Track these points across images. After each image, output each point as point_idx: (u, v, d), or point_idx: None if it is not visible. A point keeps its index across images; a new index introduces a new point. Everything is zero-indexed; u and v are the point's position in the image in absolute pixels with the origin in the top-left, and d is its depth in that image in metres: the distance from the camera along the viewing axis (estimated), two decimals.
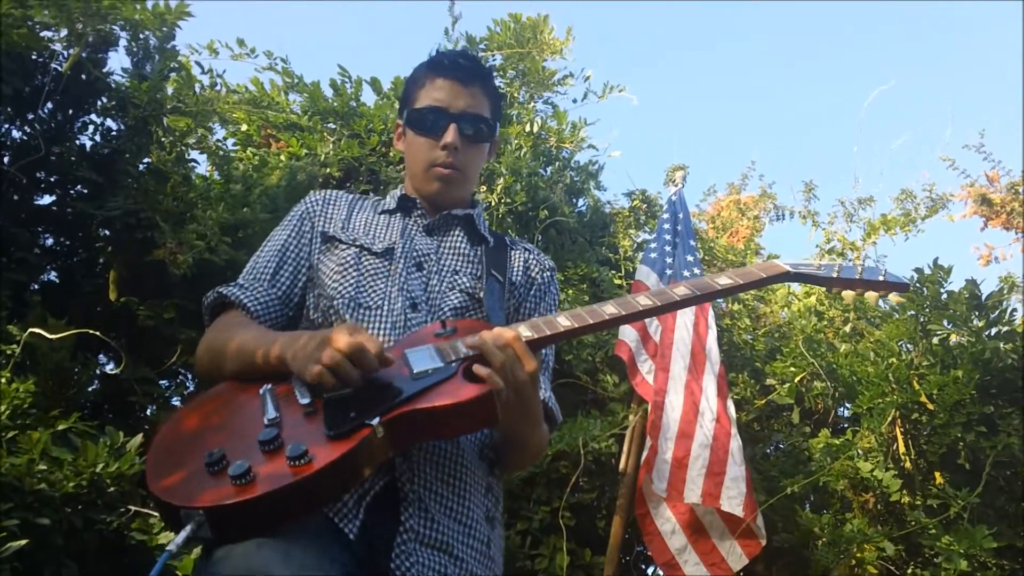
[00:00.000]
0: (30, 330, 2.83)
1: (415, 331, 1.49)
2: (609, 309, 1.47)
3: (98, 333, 3.05)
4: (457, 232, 1.73)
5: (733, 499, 3.78)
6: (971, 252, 8.06)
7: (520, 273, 1.74)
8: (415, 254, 1.64)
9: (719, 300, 6.32)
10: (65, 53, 3.92)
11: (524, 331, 1.43)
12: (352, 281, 1.57)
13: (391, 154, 5.34)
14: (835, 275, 1.58)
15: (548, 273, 1.79)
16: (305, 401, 1.32)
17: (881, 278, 1.58)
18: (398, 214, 1.73)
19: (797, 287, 6.28)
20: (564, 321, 1.46)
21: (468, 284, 1.63)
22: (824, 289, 5.77)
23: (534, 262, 1.78)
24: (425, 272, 1.62)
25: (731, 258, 6.34)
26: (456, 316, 1.58)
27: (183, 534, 1.19)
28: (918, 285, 3.91)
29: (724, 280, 1.52)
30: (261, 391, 1.37)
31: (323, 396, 1.31)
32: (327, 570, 1.27)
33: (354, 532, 1.33)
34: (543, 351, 1.66)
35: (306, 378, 1.32)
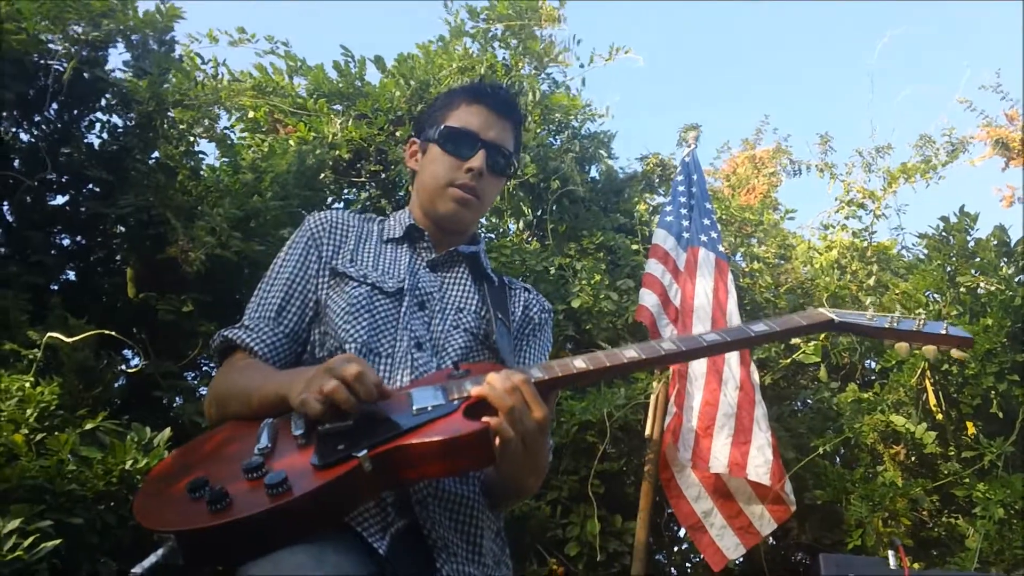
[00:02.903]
0: (49, 334, 2.83)
1: (429, 374, 1.46)
2: (630, 353, 1.40)
3: (114, 333, 3.05)
4: (461, 269, 1.70)
5: (759, 468, 3.76)
6: (993, 194, 7.89)
7: (519, 313, 1.72)
8: (418, 292, 1.61)
9: (738, 259, 6.27)
10: (64, 61, 3.91)
11: (535, 372, 1.37)
12: (365, 324, 1.52)
13: (398, 133, 5.31)
14: (887, 326, 1.47)
15: (546, 314, 1.76)
16: (299, 432, 1.29)
17: (943, 332, 1.45)
18: (404, 245, 1.69)
19: (819, 241, 6.22)
20: (579, 363, 1.38)
21: (472, 324, 1.60)
22: (847, 243, 5.71)
23: (534, 302, 1.76)
24: (427, 311, 1.59)
25: (748, 216, 6.25)
26: (461, 357, 1.53)
27: (152, 557, 1.16)
28: (944, 234, 3.83)
29: (760, 327, 1.44)
30: (261, 424, 1.35)
31: (318, 428, 1.28)
32: (360, 573, 1.25)
33: (383, 549, 1.31)
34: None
35: (306, 410, 1.28)
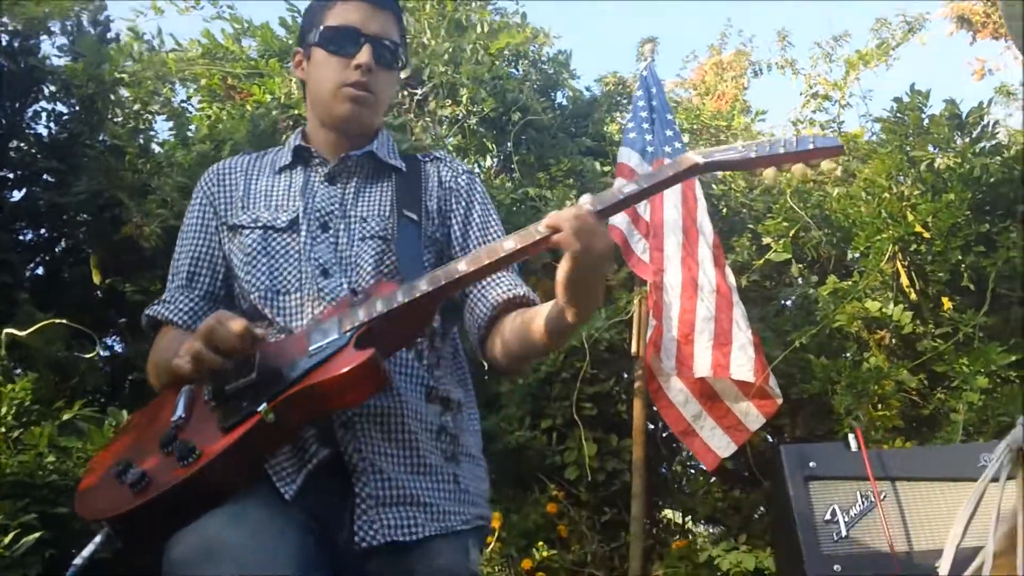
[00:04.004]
0: (5, 331, 2.86)
1: (333, 305, 1.43)
2: (508, 244, 1.34)
3: (65, 321, 3.07)
4: (360, 174, 1.62)
5: (743, 366, 3.79)
6: (964, 68, 7.76)
7: (436, 187, 1.65)
8: (318, 214, 1.55)
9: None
10: None
11: (423, 285, 1.34)
12: (264, 269, 1.50)
13: None
14: (754, 155, 1.39)
15: (464, 176, 1.68)
16: (208, 397, 1.30)
17: (811, 146, 1.39)
18: (297, 167, 1.62)
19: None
20: (462, 267, 1.35)
21: (379, 228, 1.55)
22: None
23: (445, 170, 1.68)
24: (331, 232, 1.54)
25: (718, 123, 6.19)
26: (375, 267, 1.50)
27: (91, 546, 1.20)
28: (899, 115, 3.79)
29: (630, 187, 1.36)
30: (180, 393, 1.36)
31: (225, 389, 1.28)
32: (281, 527, 1.28)
33: (290, 494, 1.33)
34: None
35: (183, 374, 1.30)
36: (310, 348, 1.31)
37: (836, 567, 2.18)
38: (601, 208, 1.32)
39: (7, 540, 2.24)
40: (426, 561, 1.39)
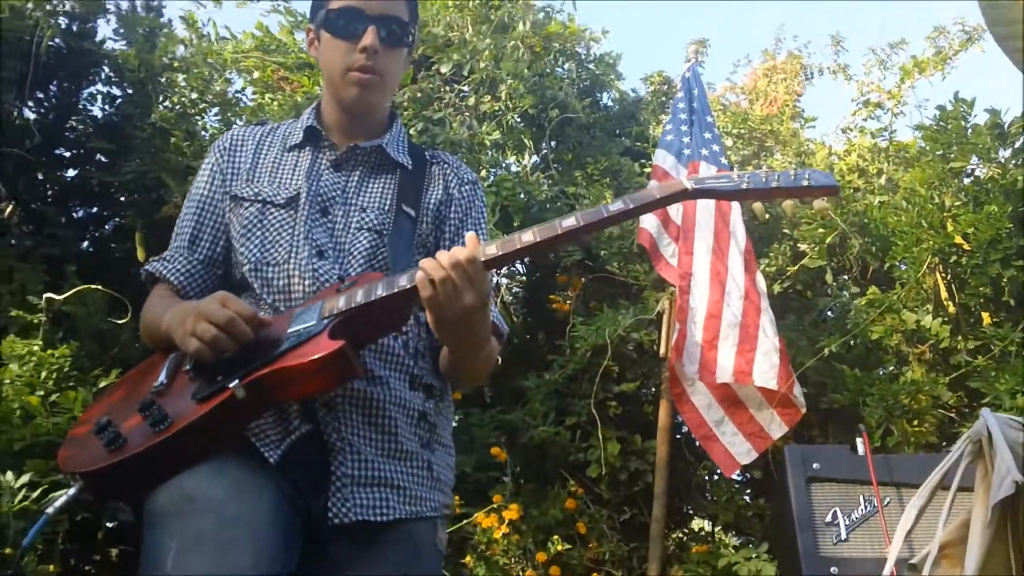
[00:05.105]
0: (46, 295, 2.99)
1: (323, 290, 1.48)
2: (490, 250, 1.36)
3: (99, 287, 3.18)
4: (366, 164, 1.65)
5: (766, 373, 3.75)
6: None
7: (440, 191, 1.68)
8: (320, 199, 1.59)
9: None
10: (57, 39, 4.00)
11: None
12: (257, 241, 1.55)
13: None
14: (745, 186, 1.35)
15: (468, 187, 1.71)
16: (187, 367, 1.37)
17: (805, 183, 1.34)
18: (307, 148, 1.66)
19: (840, 146, 6.06)
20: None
21: (376, 221, 1.58)
22: (866, 146, 5.56)
23: (452, 176, 1.71)
24: (330, 217, 1.58)
25: (765, 127, 6.12)
26: (367, 258, 1.54)
27: (64, 497, 1.27)
28: (942, 123, 3.71)
29: (616, 205, 1.36)
30: (167, 359, 1.42)
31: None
32: (260, 487, 1.34)
33: (275, 459, 1.38)
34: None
35: (192, 355, 1.35)
36: (289, 331, 1.36)
37: (833, 569, 2.16)
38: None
39: (36, 495, 2.35)
40: (394, 541, 1.44)
